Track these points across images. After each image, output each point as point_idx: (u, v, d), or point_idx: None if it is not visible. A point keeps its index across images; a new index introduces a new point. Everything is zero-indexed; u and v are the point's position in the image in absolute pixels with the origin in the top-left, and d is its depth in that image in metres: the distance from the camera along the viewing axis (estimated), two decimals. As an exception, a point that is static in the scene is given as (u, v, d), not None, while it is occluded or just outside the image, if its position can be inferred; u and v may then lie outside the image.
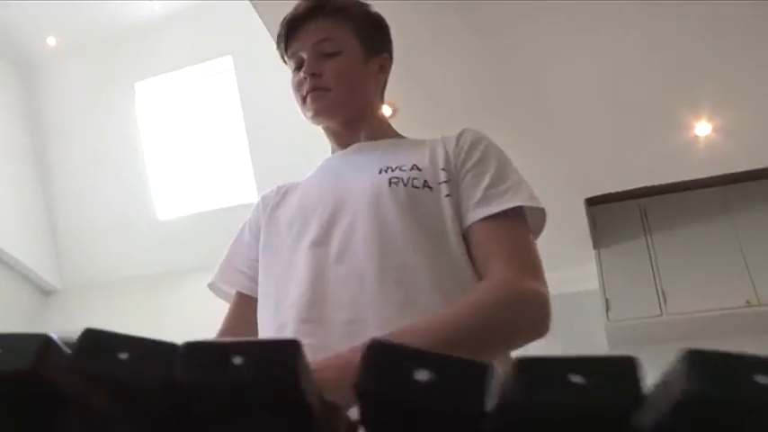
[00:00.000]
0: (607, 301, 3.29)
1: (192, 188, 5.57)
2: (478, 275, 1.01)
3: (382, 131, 1.26)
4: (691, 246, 3.39)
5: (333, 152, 1.28)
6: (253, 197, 4.36)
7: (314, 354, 0.78)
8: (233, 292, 1.19)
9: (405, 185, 1.09)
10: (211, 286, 1.22)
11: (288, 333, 0.96)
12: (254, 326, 1.10)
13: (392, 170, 1.12)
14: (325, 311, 0.97)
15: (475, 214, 1.07)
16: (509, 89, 3.08)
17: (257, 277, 1.14)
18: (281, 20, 1.23)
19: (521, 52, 2.88)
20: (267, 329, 1.04)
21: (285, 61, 1.24)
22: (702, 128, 3.13)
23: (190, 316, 3.57)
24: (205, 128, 5.50)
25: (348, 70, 1.18)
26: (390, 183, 1.10)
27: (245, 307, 1.16)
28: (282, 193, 1.23)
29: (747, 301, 3.01)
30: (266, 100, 4.61)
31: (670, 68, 2.91)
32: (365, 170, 1.15)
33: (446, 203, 1.07)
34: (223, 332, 1.14)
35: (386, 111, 1.40)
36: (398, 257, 1.01)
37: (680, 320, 3.12)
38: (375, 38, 1.24)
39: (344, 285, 0.99)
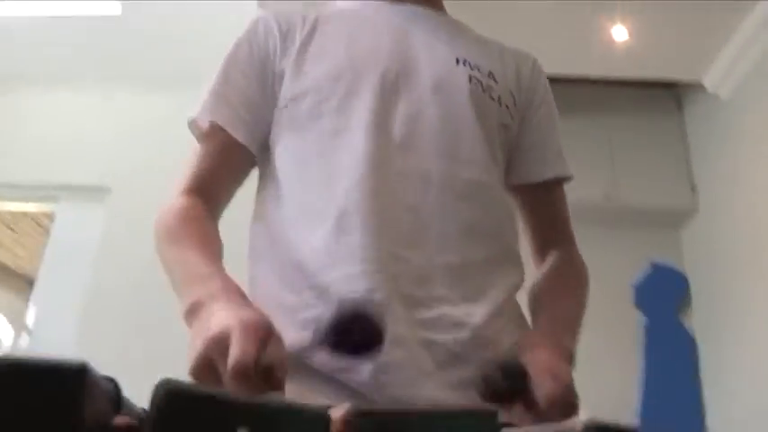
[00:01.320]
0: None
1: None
2: (528, 227, 1.04)
3: None
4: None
5: None
6: (115, 9, 3.17)
7: (376, 258, 0.80)
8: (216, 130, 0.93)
9: (483, 91, 0.96)
10: (196, 122, 0.94)
11: (352, 223, 0.82)
12: (239, 179, 0.96)
13: (471, 66, 0.97)
14: (386, 206, 0.84)
15: (554, 169, 1.03)
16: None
17: (256, 125, 0.94)
18: None
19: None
20: (318, 218, 0.84)
21: None
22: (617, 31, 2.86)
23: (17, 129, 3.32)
24: None
25: None
26: (471, 80, 0.95)
27: (236, 156, 0.94)
28: (312, 24, 0.98)
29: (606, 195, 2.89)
30: None
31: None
32: (436, 48, 0.98)
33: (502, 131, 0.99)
34: (204, 175, 0.92)
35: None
36: (468, 169, 0.91)
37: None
38: None
39: (408, 183, 0.87)
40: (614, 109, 3.43)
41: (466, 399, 0.75)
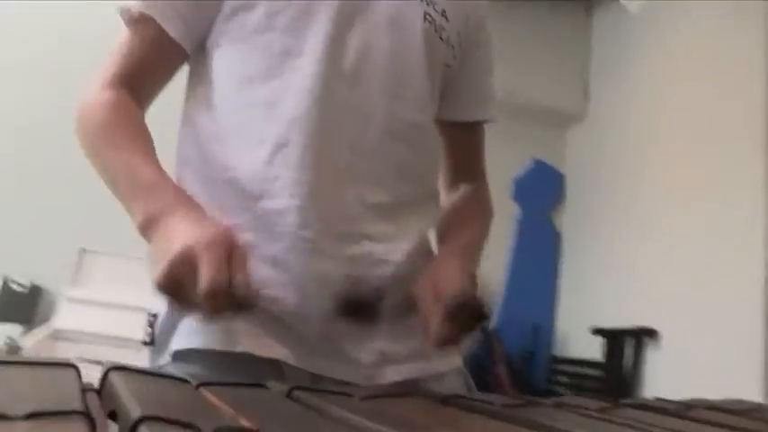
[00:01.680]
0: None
1: None
2: (444, 161, 1.06)
3: None
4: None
5: None
6: None
7: (310, 193, 0.80)
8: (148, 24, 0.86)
9: (435, 31, 0.92)
10: (129, 10, 0.87)
11: (291, 155, 0.81)
12: (169, 74, 0.90)
13: (427, 2, 0.92)
14: (326, 141, 0.83)
15: (484, 112, 1.09)
16: None
17: (195, 21, 0.87)
18: None
19: None
20: (256, 139, 0.82)
21: None
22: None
23: None
24: None
25: None
26: (426, 18, 0.91)
27: (169, 51, 0.87)
28: None
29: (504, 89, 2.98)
30: None
31: None
32: None
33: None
34: (134, 67, 0.86)
35: None
36: (409, 110, 0.90)
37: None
38: None
39: (350, 118, 0.85)
40: (527, 8, 3.42)
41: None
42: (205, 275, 0.62)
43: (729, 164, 2.52)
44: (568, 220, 3.52)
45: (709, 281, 2.49)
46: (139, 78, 0.87)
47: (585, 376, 3.05)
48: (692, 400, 0.84)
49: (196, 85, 0.91)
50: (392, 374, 0.86)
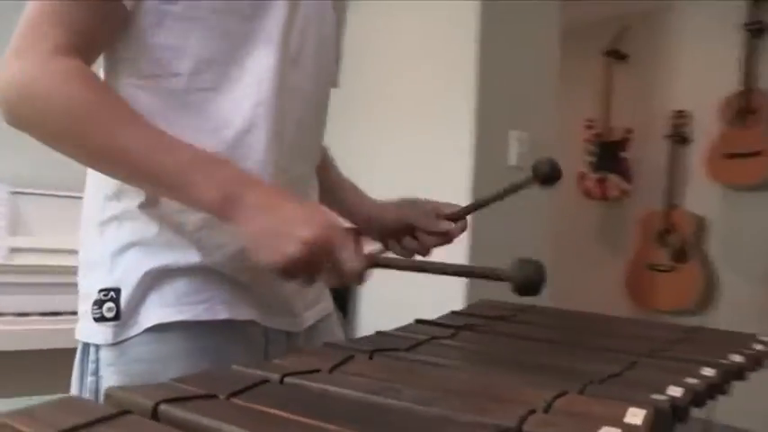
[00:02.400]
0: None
1: None
2: None
3: None
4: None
5: None
6: None
7: (275, 173, 0.84)
8: None
9: (335, 11, 0.97)
10: None
11: (257, 138, 0.83)
12: (106, 39, 0.80)
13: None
14: (281, 121, 0.86)
15: (337, 79, 1.08)
16: None
17: None
18: None
19: None
20: (219, 121, 0.82)
21: None
22: None
23: None
24: None
25: None
26: (335, 8, 0.97)
27: (117, 13, 0.79)
28: None
29: None
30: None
31: None
32: None
33: None
34: (86, 31, 0.77)
35: None
36: (325, 89, 0.97)
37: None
38: None
39: (295, 99, 0.88)
40: None
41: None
42: (350, 260, 0.72)
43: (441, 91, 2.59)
44: None
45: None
46: (90, 46, 0.78)
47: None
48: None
49: (132, 57, 0.83)
50: (309, 318, 0.94)
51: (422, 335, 0.89)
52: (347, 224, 0.86)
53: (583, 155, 3.90)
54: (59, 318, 2.24)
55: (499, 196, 1.06)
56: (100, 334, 0.80)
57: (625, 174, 3.78)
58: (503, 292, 0.85)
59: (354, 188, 1.11)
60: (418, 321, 1.05)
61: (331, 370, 0.67)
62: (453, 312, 1.13)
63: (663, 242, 3.53)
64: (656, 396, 0.67)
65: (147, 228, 0.79)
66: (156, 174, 0.74)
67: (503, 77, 2.50)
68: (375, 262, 0.77)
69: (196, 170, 0.73)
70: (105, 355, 0.80)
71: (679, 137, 3.63)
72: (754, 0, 3.40)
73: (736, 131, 3.34)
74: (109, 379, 0.79)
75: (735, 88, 3.38)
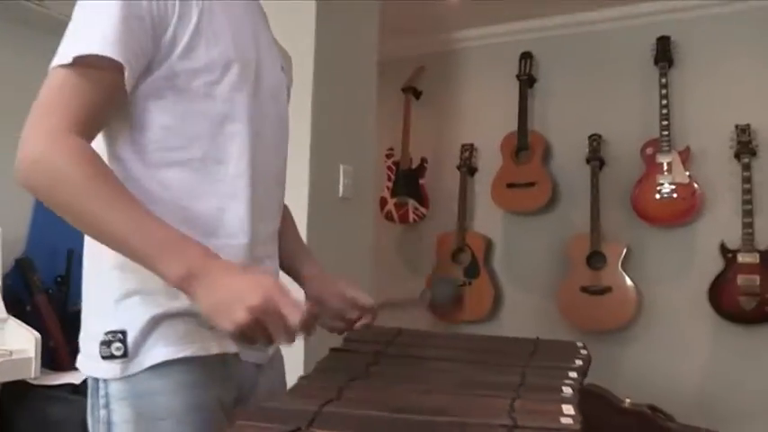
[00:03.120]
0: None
1: None
2: None
3: None
4: None
5: None
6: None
7: (252, 232, 1.02)
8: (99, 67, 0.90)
9: (288, 96, 1.22)
10: (89, 59, 0.90)
11: (240, 205, 1.00)
12: (107, 118, 0.95)
13: (284, 71, 1.18)
14: (255, 190, 1.04)
15: None
16: None
17: (138, 70, 0.94)
18: None
19: None
20: (205, 190, 0.98)
21: None
22: None
23: None
24: None
25: None
26: (287, 89, 1.20)
27: (118, 97, 0.93)
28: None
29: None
30: None
31: None
32: (271, 51, 1.14)
33: None
34: (90, 113, 0.90)
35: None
36: (284, 162, 1.18)
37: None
38: None
39: (262, 172, 1.06)
40: None
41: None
42: (293, 316, 0.83)
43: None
44: None
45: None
46: (94, 126, 0.92)
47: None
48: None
49: (127, 129, 0.97)
50: (270, 351, 1.11)
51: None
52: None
53: (384, 181, 4.25)
54: None
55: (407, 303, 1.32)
56: (109, 370, 0.92)
57: (422, 199, 4.19)
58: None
59: (307, 260, 1.29)
60: (332, 349, 1.23)
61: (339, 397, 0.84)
62: (346, 339, 1.31)
63: (457, 260, 3.99)
64: (562, 395, 0.93)
65: (148, 278, 0.89)
66: (134, 250, 0.88)
67: (333, 113, 2.73)
68: (316, 314, 0.90)
69: (163, 251, 0.87)
70: (114, 389, 0.91)
71: (467, 167, 4.13)
72: (522, 56, 4.02)
73: (514, 165, 3.90)
74: (119, 411, 0.89)
75: (513, 127, 3.94)
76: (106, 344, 0.93)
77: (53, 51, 0.92)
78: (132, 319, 0.94)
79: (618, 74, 3.84)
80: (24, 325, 2.48)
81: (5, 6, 2.71)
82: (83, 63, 0.89)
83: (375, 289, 2.91)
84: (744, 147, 3.39)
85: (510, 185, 3.88)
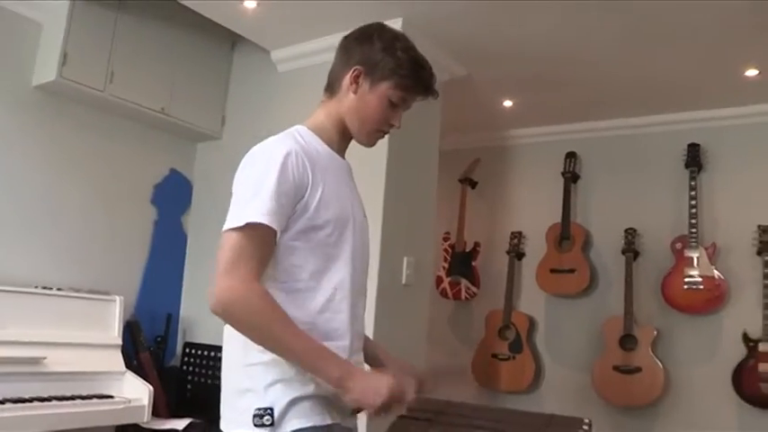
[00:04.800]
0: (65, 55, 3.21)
1: None
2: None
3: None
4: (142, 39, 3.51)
5: (326, 141, 1.54)
6: None
7: (354, 332, 1.51)
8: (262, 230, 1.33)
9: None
10: (254, 222, 1.32)
11: (345, 318, 1.47)
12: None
13: (365, 216, 1.63)
14: (354, 306, 1.52)
15: None
16: None
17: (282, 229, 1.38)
18: (424, 67, 1.53)
19: None
20: (324, 303, 1.43)
21: (398, 92, 1.51)
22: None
23: None
24: None
25: None
26: (368, 228, 1.64)
27: (272, 249, 1.39)
28: (311, 166, 1.42)
29: (162, 108, 3.61)
30: None
31: None
32: (358, 202, 1.60)
33: None
34: (261, 265, 1.35)
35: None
36: (366, 280, 1.62)
37: (118, 102, 3.40)
38: None
39: (358, 292, 1.53)
40: (183, 34, 3.72)
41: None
42: (409, 398, 1.36)
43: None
44: (194, 225, 4.07)
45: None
46: (262, 271, 1.37)
47: (220, 359, 3.56)
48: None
49: (277, 258, 1.43)
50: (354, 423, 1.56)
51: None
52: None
53: (441, 261, 4.76)
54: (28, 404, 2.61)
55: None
56: None
57: (474, 279, 4.67)
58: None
59: (380, 348, 1.74)
60: (399, 417, 1.73)
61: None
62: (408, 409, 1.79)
63: (503, 336, 4.43)
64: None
65: (287, 370, 1.39)
66: (302, 361, 1.36)
67: (399, 210, 3.20)
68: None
69: (327, 362, 1.36)
70: None
71: (515, 252, 4.61)
72: (567, 155, 4.53)
73: (557, 252, 4.36)
74: None
75: (557, 218, 4.42)
76: (259, 416, 1.36)
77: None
78: (277, 399, 1.35)
79: (652, 174, 4.30)
80: (138, 377, 3.04)
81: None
82: (250, 227, 1.32)
83: (428, 359, 3.35)
84: (765, 245, 3.78)
85: (553, 271, 4.34)
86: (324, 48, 3.40)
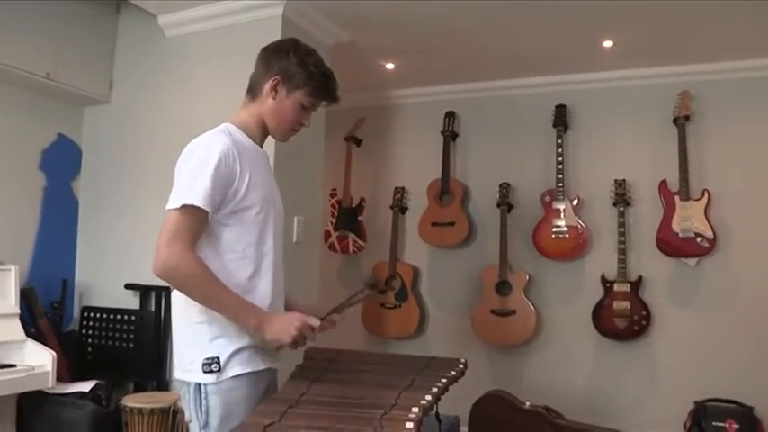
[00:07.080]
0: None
1: None
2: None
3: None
4: None
5: (250, 136, 1.78)
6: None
7: (276, 298, 1.77)
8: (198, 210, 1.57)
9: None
10: (190, 207, 1.56)
11: (273, 283, 1.72)
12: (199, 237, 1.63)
13: (280, 201, 1.86)
14: (278, 275, 1.78)
15: None
16: None
17: (215, 210, 1.62)
18: (330, 79, 1.83)
19: None
20: (252, 269, 1.67)
21: (310, 99, 1.79)
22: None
23: None
24: None
25: None
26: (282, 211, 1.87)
27: (204, 224, 1.62)
28: (239, 157, 1.66)
29: (47, 74, 3.47)
30: None
31: None
32: (275, 184, 1.85)
33: None
34: (195, 238, 1.59)
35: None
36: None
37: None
38: None
39: (279, 263, 1.80)
40: (62, 4, 3.59)
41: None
42: (310, 333, 1.58)
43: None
44: (84, 190, 3.97)
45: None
46: (195, 242, 1.61)
47: (120, 321, 3.56)
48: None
49: (206, 240, 1.65)
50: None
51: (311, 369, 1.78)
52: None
53: (328, 217, 4.93)
54: None
55: (350, 303, 1.88)
56: (208, 379, 1.62)
57: (360, 233, 4.89)
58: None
59: (294, 299, 1.95)
60: (298, 365, 1.91)
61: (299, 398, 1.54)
62: (305, 358, 1.98)
63: (390, 285, 4.69)
64: (429, 392, 1.63)
65: (226, 326, 1.63)
66: (228, 312, 1.61)
67: (288, 170, 3.28)
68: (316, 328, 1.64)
69: (246, 311, 1.60)
70: (211, 389, 1.61)
71: (399, 207, 4.85)
72: (446, 114, 4.79)
73: (438, 206, 4.64)
74: (213, 401, 1.61)
75: (437, 174, 4.68)
76: (208, 364, 1.61)
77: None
78: (221, 350, 1.62)
79: (525, 133, 4.64)
80: (40, 344, 3.04)
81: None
82: (186, 208, 1.57)
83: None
84: (620, 198, 4.21)
85: (434, 224, 4.62)
86: (211, 14, 3.45)
